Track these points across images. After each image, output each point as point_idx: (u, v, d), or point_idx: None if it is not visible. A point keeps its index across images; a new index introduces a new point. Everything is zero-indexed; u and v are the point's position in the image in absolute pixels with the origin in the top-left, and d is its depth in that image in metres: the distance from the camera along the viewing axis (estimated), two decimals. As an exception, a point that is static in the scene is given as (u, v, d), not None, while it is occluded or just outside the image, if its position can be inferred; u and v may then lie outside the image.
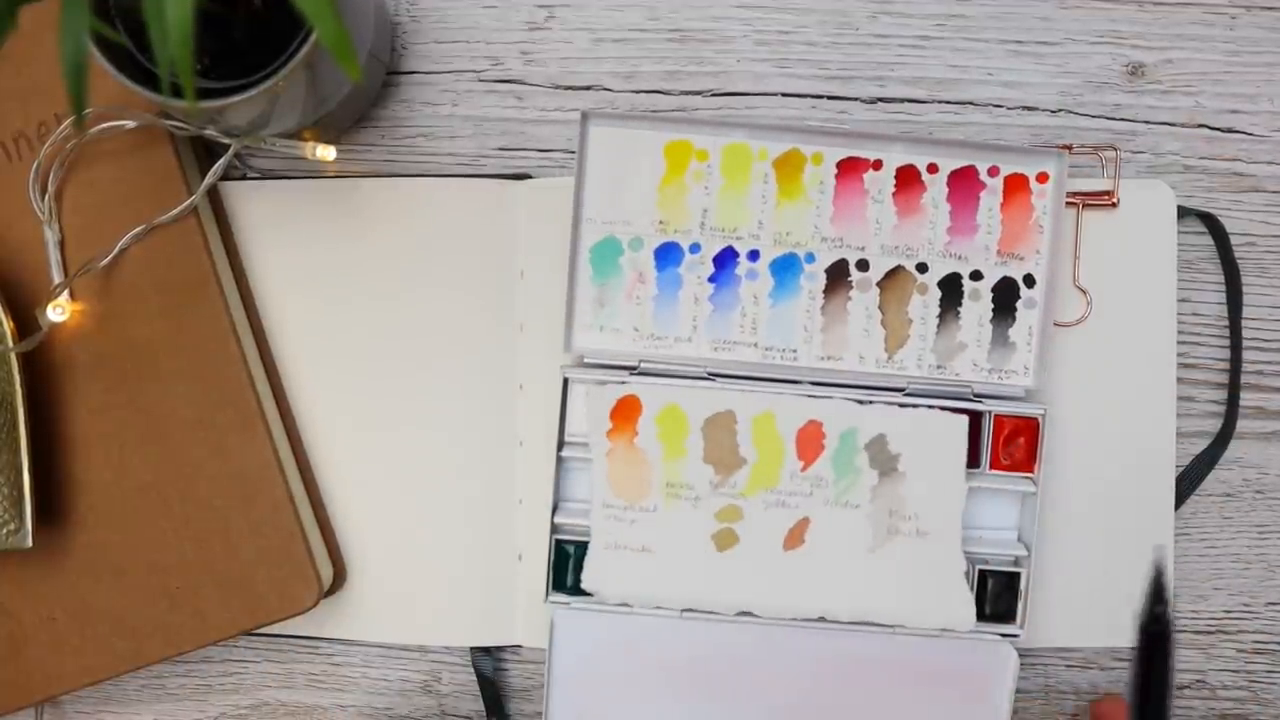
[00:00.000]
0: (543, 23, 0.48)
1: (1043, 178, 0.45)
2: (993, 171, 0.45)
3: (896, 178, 0.45)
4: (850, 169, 0.45)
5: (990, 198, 0.45)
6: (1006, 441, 0.45)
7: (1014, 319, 0.45)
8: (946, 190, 0.45)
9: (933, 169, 0.45)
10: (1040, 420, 0.45)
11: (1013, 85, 0.48)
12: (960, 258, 0.45)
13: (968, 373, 0.45)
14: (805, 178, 0.45)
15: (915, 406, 0.45)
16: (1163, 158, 0.48)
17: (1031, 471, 0.45)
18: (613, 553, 0.45)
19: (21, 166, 0.45)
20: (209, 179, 0.46)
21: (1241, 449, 0.48)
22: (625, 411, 0.45)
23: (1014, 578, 0.45)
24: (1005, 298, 0.45)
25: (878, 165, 0.45)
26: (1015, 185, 0.45)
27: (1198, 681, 0.49)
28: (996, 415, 0.45)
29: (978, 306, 0.45)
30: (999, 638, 0.45)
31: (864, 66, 0.48)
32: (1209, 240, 0.48)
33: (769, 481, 0.45)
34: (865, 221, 0.45)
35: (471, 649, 0.49)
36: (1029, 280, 0.45)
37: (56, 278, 0.45)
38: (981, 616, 0.45)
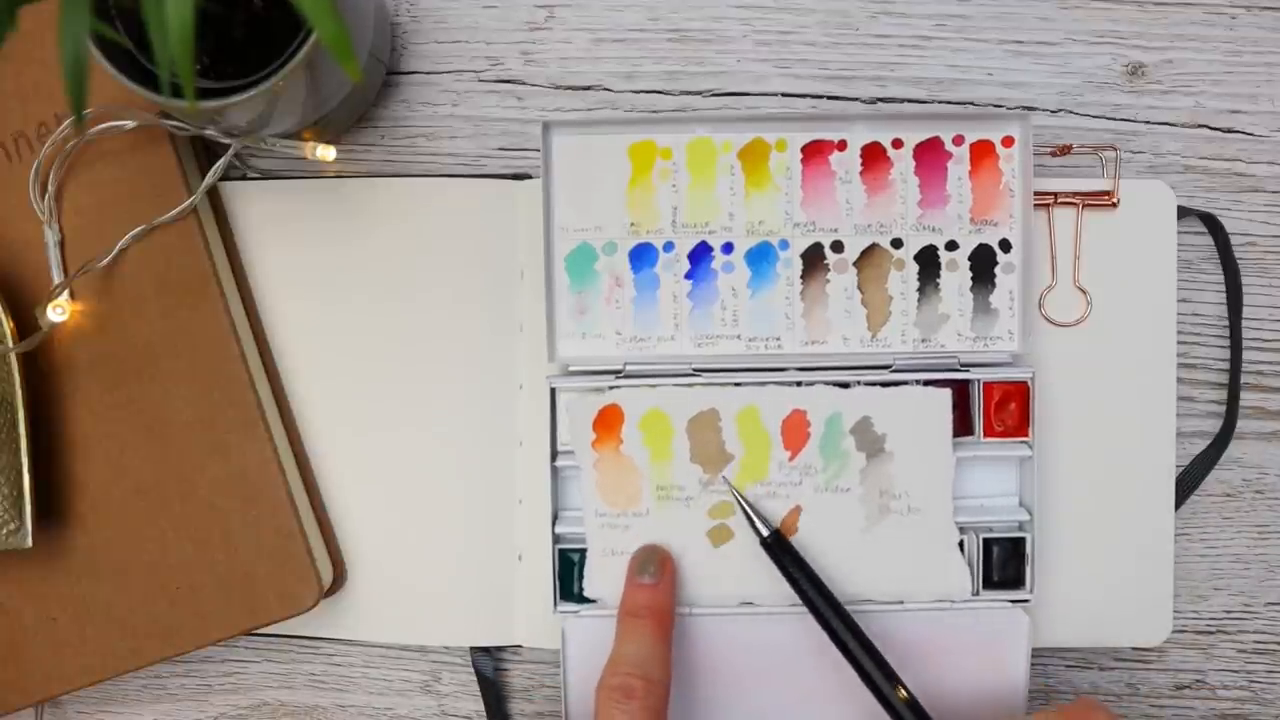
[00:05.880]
0: (543, 23, 0.48)
1: (1008, 141, 0.45)
2: (957, 140, 0.45)
3: (862, 156, 0.45)
4: (815, 152, 0.45)
5: (958, 167, 0.45)
6: (998, 408, 0.45)
7: (994, 285, 0.45)
8: (913, 164, 0.45)
9: (898, 144, 0.45)
10: (1030, 383, 0.45)
11: (1013, 85, 0.48)
12: (934, 229, 0.45)
13: (953, 343, 0.45)
14: (771, 165, 0.45)
15: (897, 385, 0.45)
16: (1163, 158, 0.48)
17: (1026, 436, 0.45)
18: (611, 559, 0.45)
19: (21, 166, 0.45)
20: (209, 179, 0.46)
21: (1241, 449, 0.48)
22: (607, 421, 0.45)
23: (1019, 543, 0.45)
24: (983, 265, 0.45)
25: (842, 146, 0.45)
26: (981, 152, 0.45)
27: (1198, 681, 0.49)
28: (985, 383, 0.45)
29: (956, 276, 0.45)
30: (1009, 604, 0.45)
31: (864, 66, 0.48)
32: (1209, 240, 0.48)
33: (758, 474, 0.45)
34: (836, 203, 0.45)
35: (471, 649, 0.49)
36: (1005, 245, 0.45)
37: (56, 278, 0.45)
38: (990, 584, 0.45)
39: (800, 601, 0.44)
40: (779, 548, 0.44)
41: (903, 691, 0.41)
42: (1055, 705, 0.46)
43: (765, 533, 0.44)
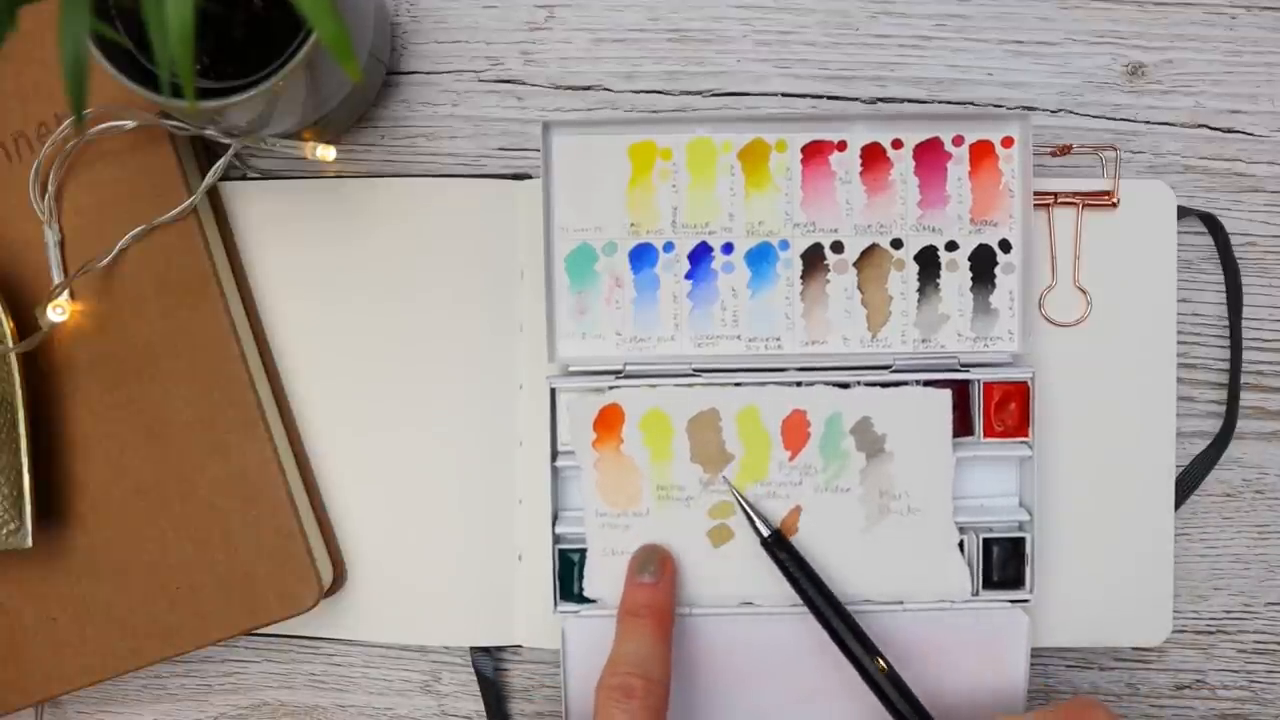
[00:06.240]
0: (543, 23, 0.48)
1: (1007, 142, 0.45)
2: (957, 141, 0.45)
3: (862, 157, 0.45)
4: (815, 152, 0.45)
5: (957, 167, 0.45)
6: (998, 408, 0.45)
7: (994, 286, 0.45)
8: (913, 164, 0.45)
9: (897, 144, 0.45)
10: (1030, 383, 0.45)
11: (1013, 85, 0.48)
12: (934, 230, 0.45)
13: (953, 343, 0.45)
14: (771, 166, 0.45)
15: (897, 385, 0.45)
16: (1163, 158, 0.48)
17: (1026, 436, 0.45)
18: (611, 559, 0.45)
19: (21, 166, 0.45)
20: (209, 179, 0.46)
21: (1241, 449, 0.48)
22: (608, 421, 0.45)
23: (1019, 543, 0.45)
24: (983, 265, 0.45)
25: (842, 146, 0.45)
26: (981, 152, 0.45)
27: (1198, 681, 0.49)
28: (985, 383, 0.45)
29: (956, 277, 0.45)
30: (1009, 604, 0.45)
31: (864, 66, 0.48)
32: (1209, 240, 0.48)
33: (758, 474, 0.45)
34: (836, 203, 0.45)
35: (471, 649, 0.49)
36: (1005, 245, 0.45)
37: (56, 278, 0.45)
38: (990, 584, 0.45)
39: (800, 601, 0.44)
40: (779, 547, 0.44)
41: (886, 668, 0.42)
42: (1053, 704, 0.46)
43: (765, 533, 0.44)
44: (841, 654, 0.43)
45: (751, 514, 0.44)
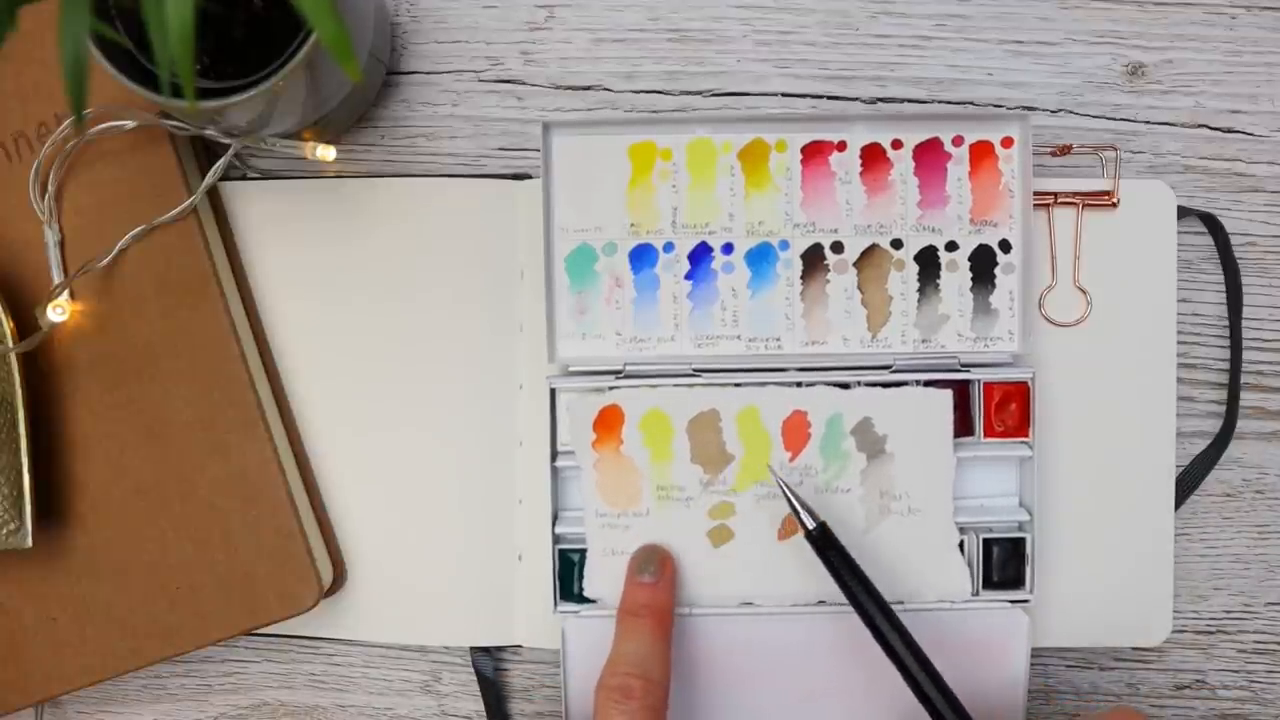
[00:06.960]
0: (543, 23, 0.48)
1: (1007, 142, 0.45)
2: (957, 141, 0.45)
3: (862, 157, 0.45)
4: (815, 152, 0.45)
5: (957, 167, 0.45)
6: (998, 408, 0.45)
7: (994, 286, 0.45)
8: (913, 164, 0.45)
9: (897, 145, 0.45)
10: (1030, 384, 0.45)
11: (1013, 85, 0.48)
12: (934, 230, 0.45)
13: (953, 344, 0.46)
14: (771, 166, 0.45)
15: (898, 385, 0.45)
16: (1163, 158, 0.48)
17: (1026, 436, 0.45)
18: (611, 559, 0.45)
19: (21, 166, 0.46)
20: (209, 179, 0.46)
21: (1241, 449, 0.48)
22: (608, 421, 0.45)
23: (1019, 544, 0.45)
24: (983, 265, 0.45)
25: (842, 146, 0.45)
26: (981, 152, 0.45)
27: (1198, 682, 0.49)
28: (986, 383, 0.45)
29: (956, 277, 0.45)
30: (1009, 604, 0.45)
31: (864, 66, 0.48)
32: (1209, 240, 0.48)
33: (758, 475, 0.45)
34: (836, 204, 0.45)
35: (471, 649, 0.49)
36: (1005, 246, 0.45)
37: (56, 278, 0.45)
38: (990, 585, 0.45)
39: (802, 602, 0.44)
40: (824, 542, 0.42)
41: (928, 667, 0.41)
42: (1095, 713, 0.46)
43: (811, 525, 0.42)
44: (884, 653, 0.41)
45: (798, 506, 0.43)
